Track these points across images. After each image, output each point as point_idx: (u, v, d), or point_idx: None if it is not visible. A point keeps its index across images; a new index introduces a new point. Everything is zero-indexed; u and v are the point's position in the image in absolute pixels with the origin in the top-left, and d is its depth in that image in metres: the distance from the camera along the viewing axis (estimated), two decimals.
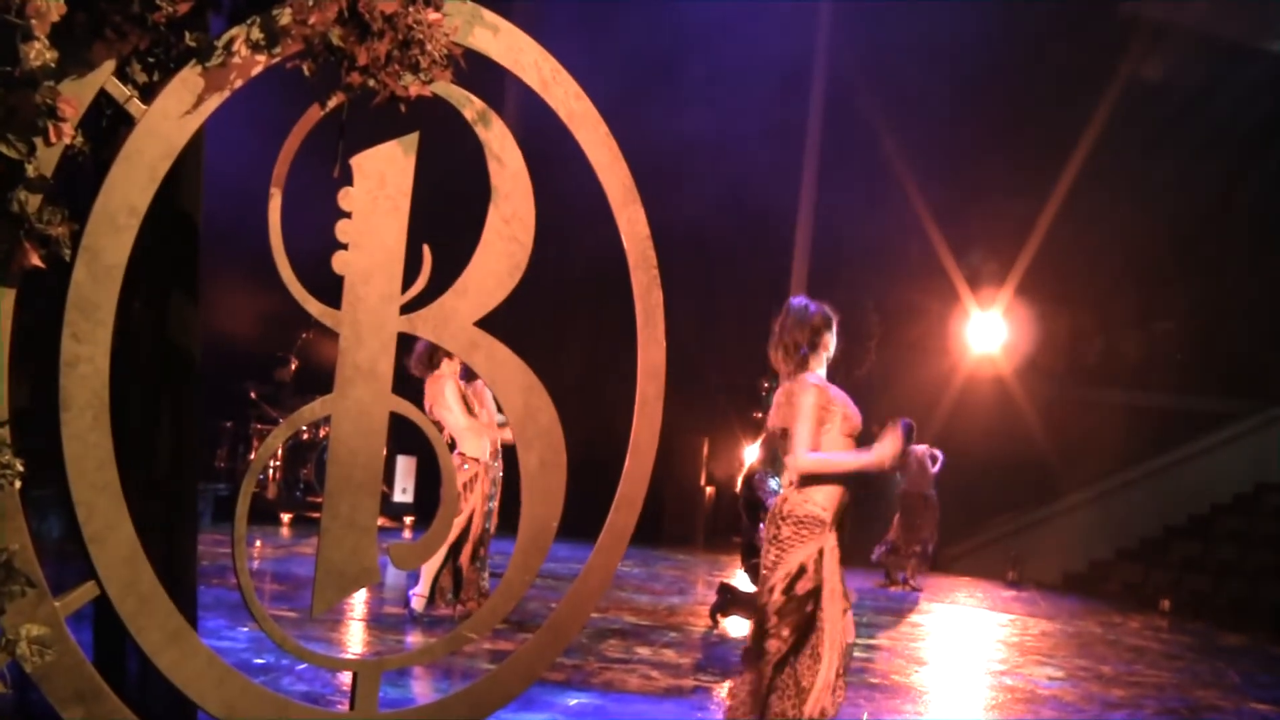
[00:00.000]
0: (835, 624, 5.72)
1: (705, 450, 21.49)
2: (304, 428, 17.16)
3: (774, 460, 10.22)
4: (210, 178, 5.23)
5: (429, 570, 10.03)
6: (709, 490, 21.66)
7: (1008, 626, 13.80)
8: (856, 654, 10.46)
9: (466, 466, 9.89)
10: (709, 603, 11.89)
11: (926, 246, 20.92)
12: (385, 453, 17.06)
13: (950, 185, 20.61)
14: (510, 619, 9.96)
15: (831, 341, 6.03)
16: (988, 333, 21.63)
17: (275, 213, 4.56)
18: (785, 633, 5.70)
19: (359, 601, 10.80)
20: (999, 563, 19.63)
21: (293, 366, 16.96)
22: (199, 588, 5.61)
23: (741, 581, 11.66)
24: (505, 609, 5.26)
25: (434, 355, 9.87)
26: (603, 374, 20.48)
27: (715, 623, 11.35)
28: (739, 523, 12.14)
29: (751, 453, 19.33)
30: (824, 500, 5.75)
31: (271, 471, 16.87)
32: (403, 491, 18.06)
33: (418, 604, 10.06)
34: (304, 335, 16.87)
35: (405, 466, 18.08)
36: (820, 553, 5.72)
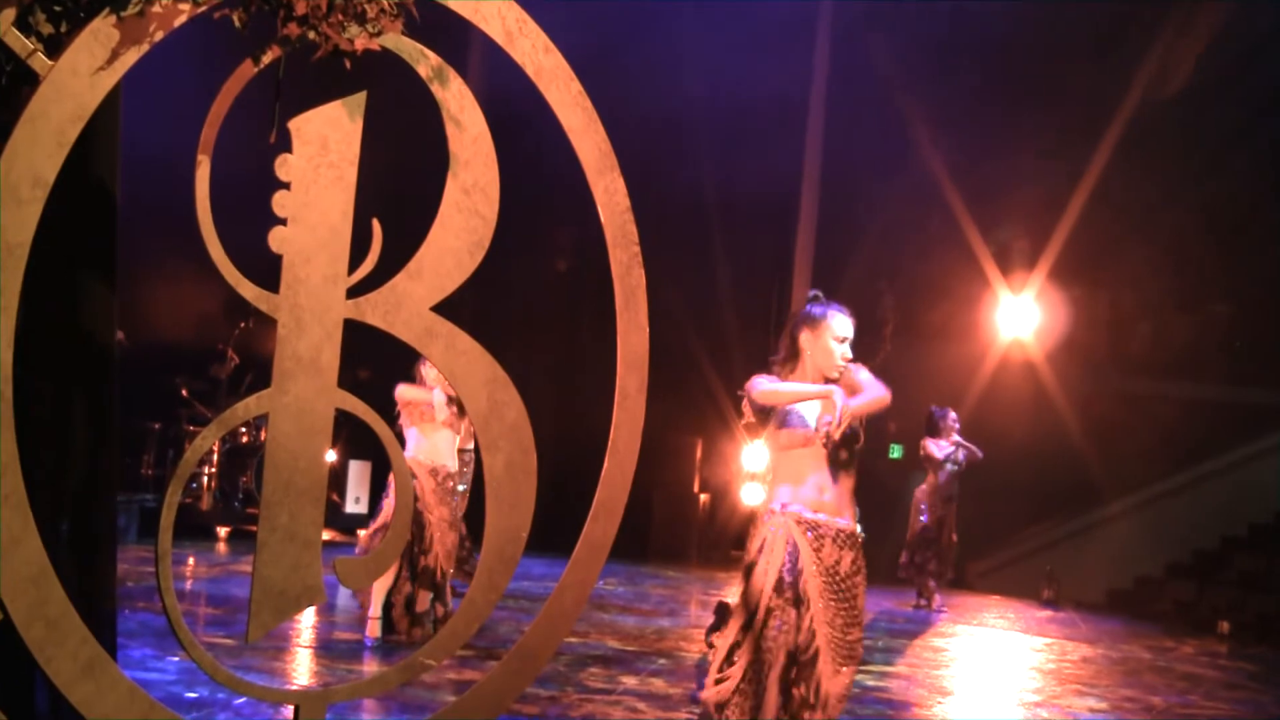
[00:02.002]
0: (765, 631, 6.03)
1: (698, 453, 21.46)
2: (242, 429, 17.17)
3: None
4: (129, 143, 5.21)
5: (379, 590, 10.05)
6: (703, 498, 21.63)
7: (1043, 651, 13.81)
8: (870, 682, 10.47)
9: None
10: (703, 625, 11.87)
11: (948, 220, 20.91)
12: (337, 457, 17.10)
13: (976, 152, 20.58)
14: (477, 644, 10.00)
15: (816, 348, 6.13)
16: (1019, 318, 21.62)
17: (203, 183, 4.54)
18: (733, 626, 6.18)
19: (306, 626, 10.78)
20: (1033, 579, 19.61)
21: (230, 360, 16.94)
22: (122, 611, 5.61)
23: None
24: (468, 632, 5.25)
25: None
26: (579, 366, 20.52)
27: (711, 647, 11.33)
28: (742, 539, 12.14)
29: (753, 457, 19.38)
30: (773, 495, 6.20)
31: (206, 479, 16.85)
32: (355, 501, 18.05)
33: (373, 629, 10.07)
34: (242, 324, 16.85)
35: (359, 472, 18.07)
36: (763, 546, 6.12)
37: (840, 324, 6.17)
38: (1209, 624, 17.39)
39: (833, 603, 6.01)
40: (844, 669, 6.05)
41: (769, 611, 5.98)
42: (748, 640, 6.04)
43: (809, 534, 6.03)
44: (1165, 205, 20.71)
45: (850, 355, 6.19)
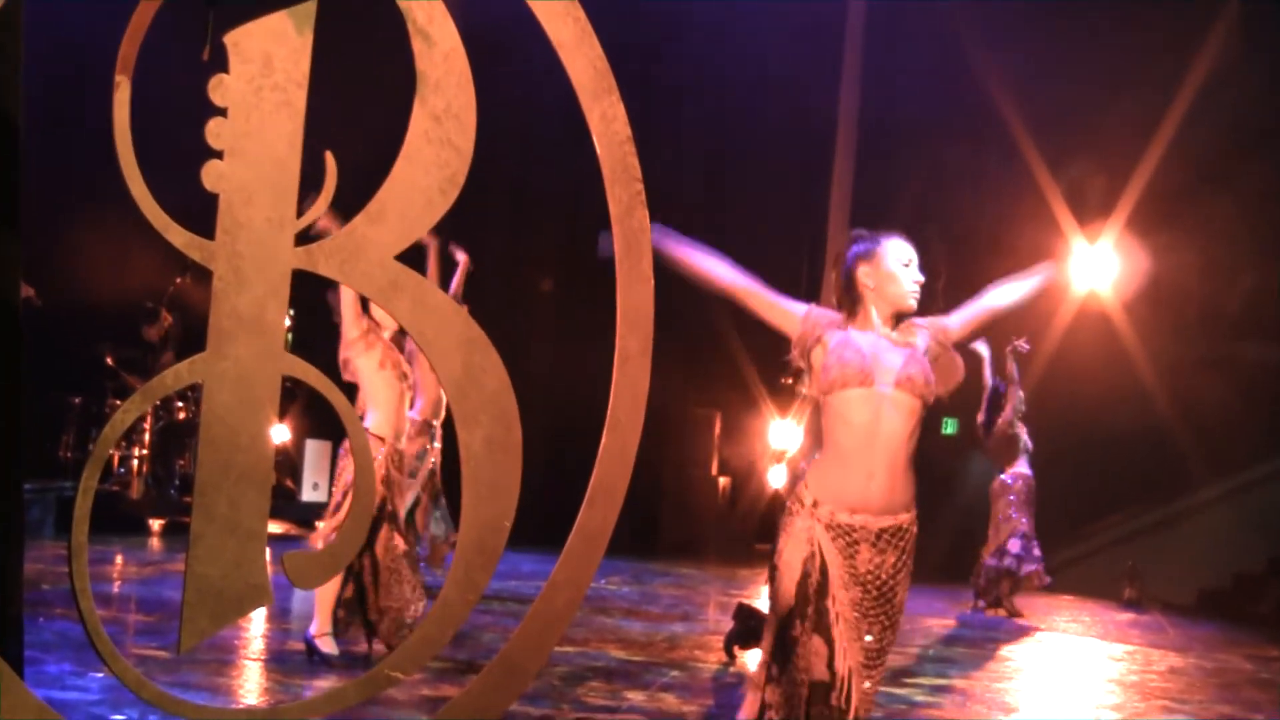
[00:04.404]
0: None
1: (717, 429, 21.44)
2: (179, 403, 17.16)
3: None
4: (33, 64, 5.17)
5: (325, 596, 9.84)
6: (722, 482, 21.63)
7: (1124, 661, 13.82)
8: (920, 697, 10.48)
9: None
10: (722, 631, 11.90)
11: (1011, 156, 20.82)
12: (291, 436, 17.12)
13: (1043, 75, 20.49)
14: (455, 655, 10.01)
15: (880, 279, 6.07)
16: (1095, 270, 21.49)
17: (122, 109, 4.51)
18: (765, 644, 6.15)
19: (254, 635, 10.79)
20: (1112, 577, 19.63)
21: (164, 322, 16.92)
22: (37, 619, 5.60)
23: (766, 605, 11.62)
24: (442, 638, 5.22)
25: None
26: (575, 325, 20.47)
27: (731, 657, 11.35)
28: (767, 529, 12.13)
29: (781, 434, 19.36)
30: (811, 477, 6.15)
31: (136, 463, 16.84)
32: (314, 488, 18.07)
33: (325, 645, 9.91)
34: (178, 279, 16.83)
35: (317, 454, 18.08)
36: (798, 542, 6.04)
37: (899, 246, 6.12)
38: None
39: (871, 612, 5.96)
40: (870, 678, 6.02)
41: (797, 638, 5.95)
42: (779, 665, 6.02)
43: (840, 540, 5.97)
44: (1271, 136, 20.56)
45: (922, 278, 6.11)
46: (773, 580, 6.06)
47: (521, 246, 20.72)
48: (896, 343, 6.05)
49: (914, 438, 6.02)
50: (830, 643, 5.94)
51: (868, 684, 5.98)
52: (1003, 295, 6.42)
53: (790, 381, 15.05)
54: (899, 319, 6.12)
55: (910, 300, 6.07)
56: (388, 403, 9.93)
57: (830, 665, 5.94)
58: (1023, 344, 16.31)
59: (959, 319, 6.31)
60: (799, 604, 5.92)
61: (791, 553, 6.00)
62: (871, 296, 6.07)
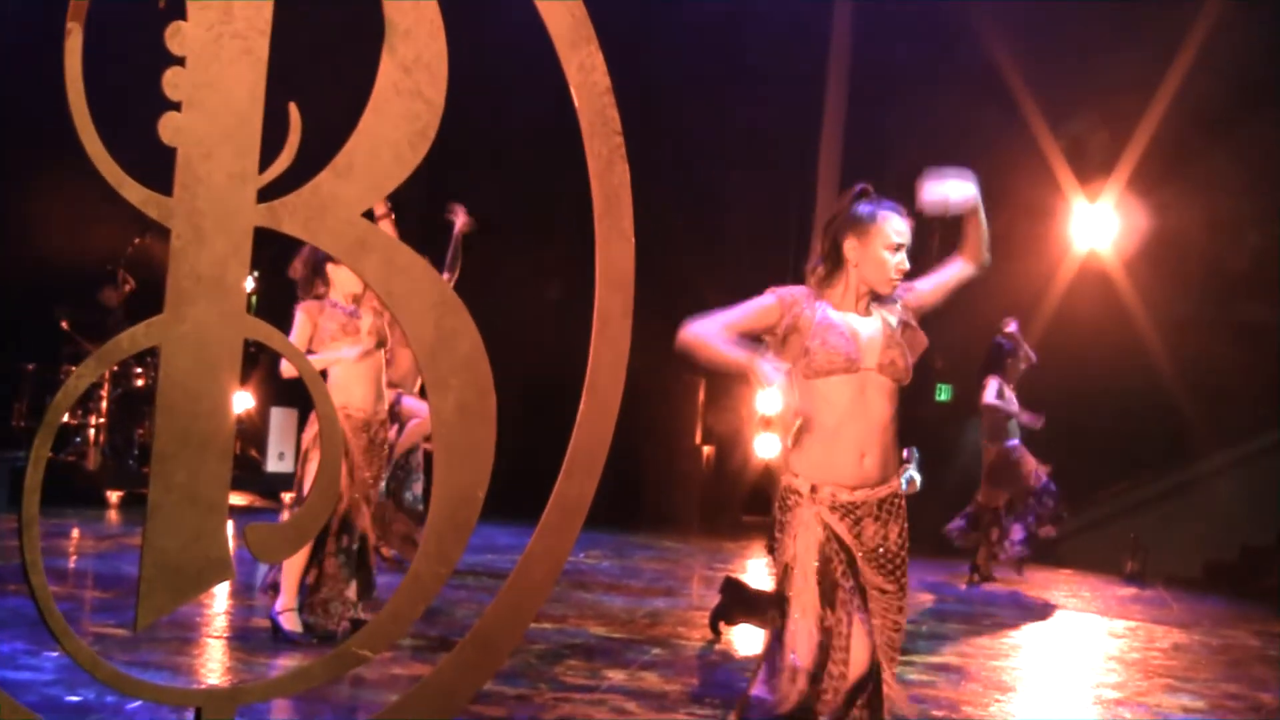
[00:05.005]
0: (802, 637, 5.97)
1: (701, 395, 21.42)
2: (137, 369, 17.12)
3: None
4: None
5: (291, 571, 9.77)
6: (707, 450, 21.62)
7: (1125, 637, 13.83)
8: (914, 676, 10.47)
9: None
10: (707, 606, 11.89)
11: (1009, 110, 20.78)
12: (255, 403, 17.11)
13: (1043, 28, 20.45)
14: (427, 632, 10.00)
15: (865, 259, 6.09)
16: (1095, 229, 21.51)
17: (73, 56, 4.47)
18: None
19: (218, 612, 10.77)
20: (1114, 550, 19.62)
21: (123, 284, 16.86)
22: None
23: (755, 578, 11.62)
24: (413, 614, 5.20)
25: (321, 265, 9.73)
26: (552, 286, 20.43)
27: (717, 634, 11.34)
28: (754, 500, 12.12)
29: (767, 402, 19.34)
30: (800, 465, 6.12)
31: (93, 433, 16.78)
32: (279, 458, 18.03)
33: (289, 622, 9.84)
34: (137, 239, 16.76)
35: (283, 422, 18.04)
36: (809, 529, 6.00)
37: (895, 228, 6.10)
38: None
39: (889, 588, 5.97)
40: (893, 664, 6.04)
41: (831, 629, 5.92)
42: (819, 660, 5.98)
43: (846, 520, 5.96)
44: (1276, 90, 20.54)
45: (907, 266, 6.12)
46: (786, 579, 6.02)
47: (497, 204, 20.65)
48: (874, 325, 6.08)
49: (897, 414, 6.07)
50: (869, 628, 5.96)
51: (893, 664, 6.03)
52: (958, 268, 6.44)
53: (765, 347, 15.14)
54: (876, 296, 6.15)
55: (887, 289, 6.11)
56: (338, 372, 9.84)
57: (871, 653, 5.98)
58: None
59: (932, 285, 6.34)
60: (826, 591, 5.90)
61: (805, 542, 5.98)
62: (852, 270, 6.08)
